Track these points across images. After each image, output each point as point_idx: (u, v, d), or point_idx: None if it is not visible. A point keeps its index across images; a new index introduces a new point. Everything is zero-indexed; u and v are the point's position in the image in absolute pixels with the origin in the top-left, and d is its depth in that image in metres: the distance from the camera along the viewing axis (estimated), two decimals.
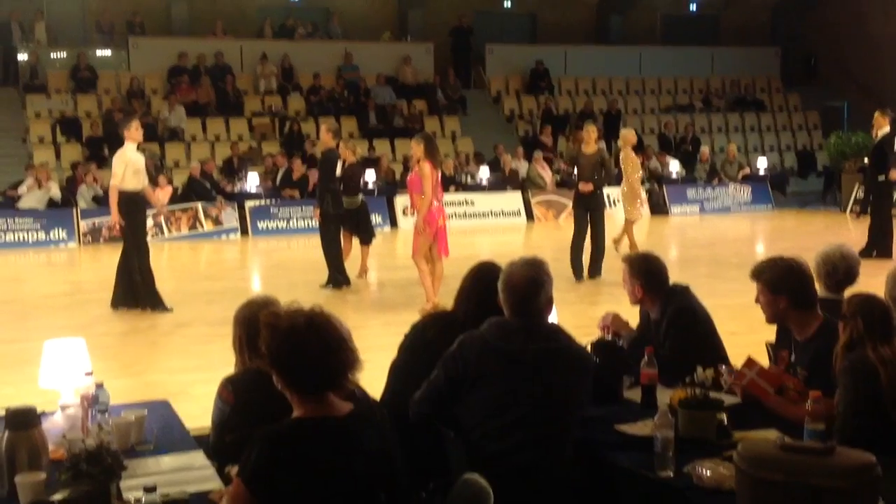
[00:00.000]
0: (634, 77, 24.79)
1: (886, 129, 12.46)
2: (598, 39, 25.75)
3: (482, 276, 4.05)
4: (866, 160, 18.18)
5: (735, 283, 11.25)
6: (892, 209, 12.78)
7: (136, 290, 9.56)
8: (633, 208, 12.97)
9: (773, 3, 26.75)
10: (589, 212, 11.24)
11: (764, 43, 26.57)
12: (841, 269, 4.56)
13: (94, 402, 3.52)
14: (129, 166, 9.33)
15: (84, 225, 15.77)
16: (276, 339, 2.77)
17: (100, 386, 3.63)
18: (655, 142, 22.42)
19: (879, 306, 3.58)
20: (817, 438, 3.21)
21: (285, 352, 2.76)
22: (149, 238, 15.59)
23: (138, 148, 9.64)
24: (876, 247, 12.23)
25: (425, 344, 3.96)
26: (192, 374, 7.05)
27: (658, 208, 19.30)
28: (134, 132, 9.42)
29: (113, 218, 9.47)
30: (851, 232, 16.58)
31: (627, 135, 13.13)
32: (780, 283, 3.91)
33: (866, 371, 3.38)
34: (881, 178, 12.55)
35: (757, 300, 4.06)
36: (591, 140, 11.27)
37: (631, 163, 12.87)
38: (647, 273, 4.56)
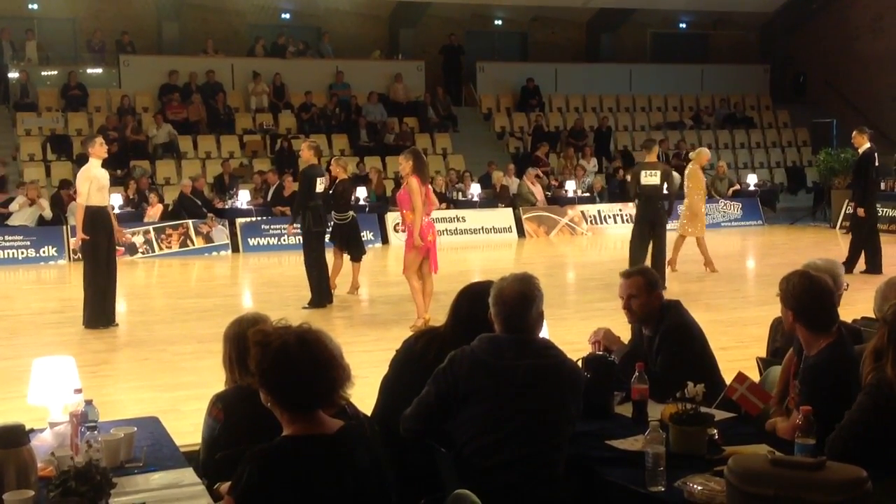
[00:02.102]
0: (625, 94, 24.91)
1: (866, 146, 12.57)
2: (588, 57, 25.88)
3: (474, 294, 4.05)
4: None
5: (725, 299, 11.31)
6: (876, 225, 12.82)
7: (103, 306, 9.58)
8: (692, 226, 13.15)
9: (762, 22, 26.93)
10: (654, 227, 11.51)
11: (753, 60, 26.74)
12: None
13: (84, 420, 3.50)
14: (93, 183, 9.39)
15: (73, 243, 15.72)
16: (265, 357, 2.76)
17: (89, 403, 3.61)
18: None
19: None
20: (808, 453, 3.21)
21: (275, 370, 2.75)
22: (138, 255, 15.90)
23: (103, 165, 9.66)
24: (867, 263, 12.28)
25: (416, 360, 3.95)
26: (182, 390, 7.02)
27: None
28: (98, 149, 9.47)
29: (78, 235, 9.50)
30: (841, 248, 16.62)
31: (702, 152, 13.48)
32: (789, 297, 3.83)
33: (883, 392, 3.32)
34: (862, 196, 12.63)
35: None
36: (654, 156, 11.73)
37: (695, 180, 13.08)
38: (644, 287, 4.55)
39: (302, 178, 11.01)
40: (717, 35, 27.34)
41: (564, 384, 3.53)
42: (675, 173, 12.44)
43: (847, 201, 18.43)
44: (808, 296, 3.75)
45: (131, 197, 17.28)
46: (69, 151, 18.99)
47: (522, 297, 3.58)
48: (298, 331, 2.79)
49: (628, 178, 13.59)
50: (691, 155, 13.73)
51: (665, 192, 11.65)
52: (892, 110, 23.44)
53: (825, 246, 16.50)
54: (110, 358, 8.50)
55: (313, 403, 2.78)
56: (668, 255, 12.36)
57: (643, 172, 11.62)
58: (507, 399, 3.44)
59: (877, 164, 12.46)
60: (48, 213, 16.27)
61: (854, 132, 12.91)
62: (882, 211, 18.09)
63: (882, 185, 18.18)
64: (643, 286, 4.53)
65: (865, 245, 12.48)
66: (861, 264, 12.35)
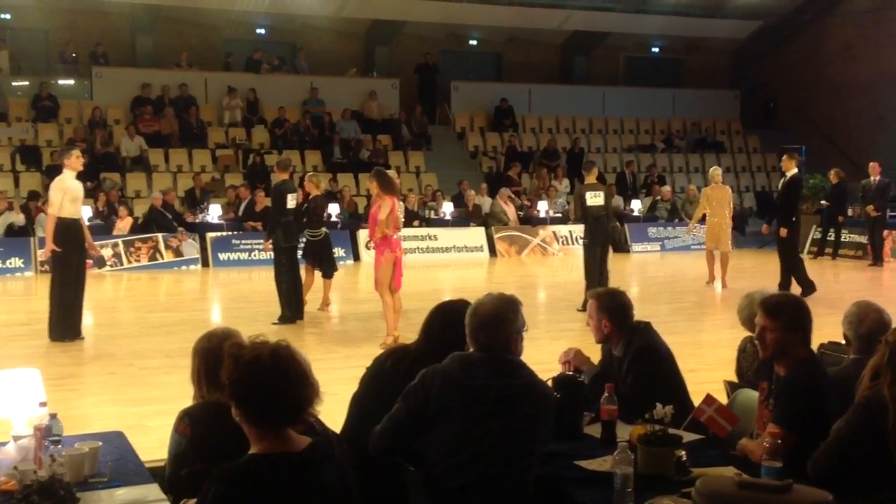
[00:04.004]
0: (597, 116, 25.10)
1: (794, 170, 12.81)
2: (561, 79, 26.07)
3: (447, 313, 4.05)
4: (823, 202, 18.55)
5: (694, 321, 11.40)
6: (797, 246, 13.15)
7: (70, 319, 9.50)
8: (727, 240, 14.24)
9: (733, 48, 27.27)
10: (604, 246, 11.81)
11: (725, 86, 27.05)
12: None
13: (48, 433, 3.46)
14: (66, 194, 9.36)
15: (41, 254, 15.55)
16: (238, 370, 2.74)
17: (53, 416, 3.57)
18: (615, 180, 22.63)
19: None
20: (774, 476, 3.22)
21: (247, 384, 2.73)
22: (108, 268, 15.76)
23: (79, 176, 9.61)
24: (802, 286, 12.41)
25: (387, 377, 3.94)
26: (149, 405, 6.96)
27: (619, 246, 19.44)
28: (74, 161, 9.45)
29: (48, 246, 9.43)
30: (809, 272, 16.80)
31: (716, 172, 14.49)
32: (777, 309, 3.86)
33: (878, 413, 3.33)
34: (793, 218, 12.87)
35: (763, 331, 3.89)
36: (593, 177, 12.04)
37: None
38: (615, 309, 4.58)
39: (274, 194, 10.99)
40: (689, 60, 27.65)
41: (535, 404, 3.53)
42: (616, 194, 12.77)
43: (815, 226, 18.68)
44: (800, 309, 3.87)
45: (101, 209, 17.14)
46: (38, 162, 18.83)
47: (495, 316, 3.59)
48: (272, 346, 2.79)
49: (574, 197, 13.92)
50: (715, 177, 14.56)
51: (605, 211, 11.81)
52: (860, 137, 23.78)
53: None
54: (76, 371, 8.41)
55: (282, 420, 2.76)
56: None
57: (588, 193, 11.76)
58: (477, 418, 3.43)
59: (803, 189, 12.76)
60: (21, 220, 16.11)
61: (784, 156, 13.27)
62: (848, 237, 18.36)
63: (849, 212, 18.41)
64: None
65: (784, 265, 12.73)
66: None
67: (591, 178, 12.08)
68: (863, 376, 3.51)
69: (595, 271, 11.57)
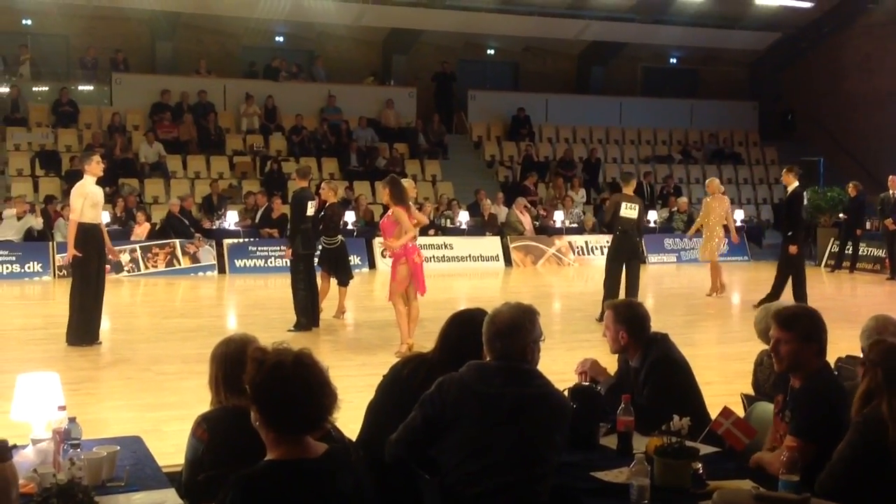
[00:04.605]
0: (614, 126, 25.06)
1: (795, 184, 12.72)
2: (579, 89, 26.06)
3: (464, 321, 4.06)
4: (841, 215, 18.46)
5: (710, 334, 11.36)
6: (803, 262, 12.97)
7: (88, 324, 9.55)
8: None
9: (752, 59, 27.19)
10: (630, 260, 11.71)
11: (742, 97, 26.97)
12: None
13: (67, 437, 3.48)
14: (87, 199, 9.43)
15: (60, 258, 15.66)
16: (260, 374, 2.76)
17: (72, 420, 3.59)
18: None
19: None
20: (791, 489, 3.21)
21: (268, 389, 2.75)
22: (124, 273, 15.84)
23: (98, 182, 9.69)
24: (797, 299, 12.27)
25: (403, 385, 3.95)
26: (166, 410, 6.98)
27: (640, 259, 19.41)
28: (95, 166, 9.52)
29: (69, 251, 9.51)
30: (826, 285, 16.74)
31: (714, 182, 14.69)
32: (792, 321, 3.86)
33: (876, 429, 3.34)
34: (790, 233, 12.75)
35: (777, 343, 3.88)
36: (631, 189, 12.02)
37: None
38: (632, 320, 4.58)
39: (294, 201, 11.04)
40: (707, 71, 27.59)
41: (551, 414, 3.53)
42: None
43: (833, 239, 18.60)
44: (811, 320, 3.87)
45: (119, 215, 17.24)
46: (58, 168, 18.96)
47: (512, 324, 3.59)
48: (296, 352, 2.80)
49: (605, 205, 13.83)
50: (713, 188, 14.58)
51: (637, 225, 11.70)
52: (878, 150, 23.66)
53: (810, 283, 16.52)
54: (94, 376, 8.46)
55: (301, 427, 2.77)
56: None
57: (623, 205, 11.60)
58: (493, 427, 3.44)
59: (804, 202, 12.63)
60: (39, 224, 16.23)
61: (784, 170, 13.17)
62: (866, 251, 18.26)
63: (868, 225, 18.31)
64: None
65: (793, 280, 12.60)
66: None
67: (628, 190, 11.92)
68: (854, 403, 3.50)
69: (616, 284, 11.46)
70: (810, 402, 3.70)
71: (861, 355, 4.40)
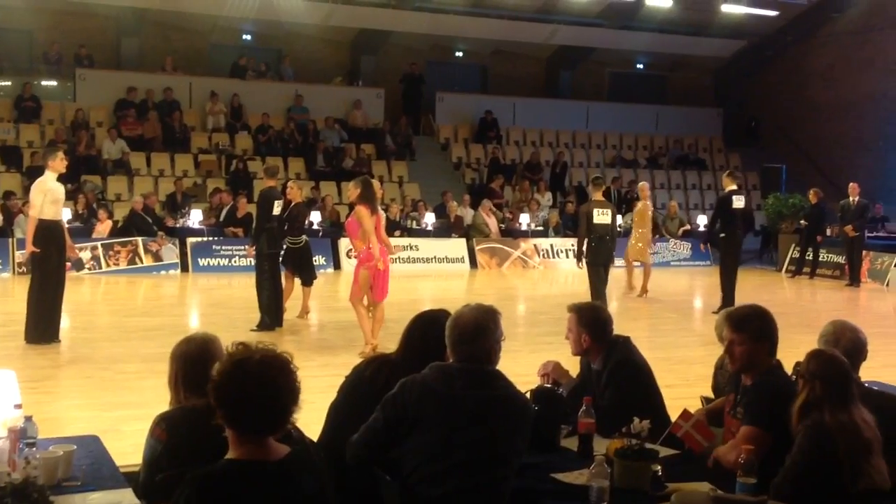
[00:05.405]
0: (581, 131, 25.20)
1: (732, 187, 12.93)
2: (546, 92, 26.17)
3: (427, 322, 4.06)
4: (802, 221, 18.69)
5: (672, 337, 11.43)
6: (737, 264, 13.09)
7: (47, 322, 9.43)
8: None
9: (717, 66, 27.47)
10: (606, 265, 11.89)
11: (708, 104, 27.24)
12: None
13: (22, 436, 3.43)
14: (48, 195, 9.30)
15: (19, 255, 15.45)
16: (222, 369, 2.73)
17: (28, 419, 3.54)
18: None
19: (839, 370, 3.57)
20: (749, 491, 3.25)
21: (226, 385, 2.72)
22: (85, 271, 15.66)
23: (60, 178, 9.57)
24: (726, 301, 12.42)
25: (365, 386, 3.94)
26: (125, 410, 6.91)
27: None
28: (58, 163, 9.40)
29: (28, 247, 9.39)
30: (786, 291, 16.95)
31: (646, 185, 15.04)
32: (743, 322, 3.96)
33: (822, 439, 3.41)
34: (722, 235, 12.93)
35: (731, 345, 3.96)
36: (600, 194, 12.07)
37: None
38: (594, 323, 4.60)
39: (261, 200, 10.98)
40: (673, 77, 27.83)
41: (513, 416, 3.54)
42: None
43: (794, 245, 18.83)
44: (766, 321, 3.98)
45: (80, 212, 17.04)
46: (19, 163, 18.72)
47: (476, 326, 3.60)
48: (265, 352, 2.76)
49: (577, 214, 13.89)
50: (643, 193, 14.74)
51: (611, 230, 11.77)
52: (840, 157, 23.99)
53: (770, 288, 16.78)
54: (52, 374, 8.35)
55: (264, 429, 2.74)
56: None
57: (595, 211, 11.61)
58: (455, 428, 3.44)
59: (735, 206, 12.74)
60: None
61: (725, 174, 13.62)
62: (826, 257, 18.50)
63: (828, 232, 18.56)
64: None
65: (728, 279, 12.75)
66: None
67: (598, 195, 11.86)
68: (792, 415, 3.56)
69: (602, 290, 11.51)
70: (763, 393, 3.81)
71: None
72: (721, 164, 25.92)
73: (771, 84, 26.30)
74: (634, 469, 3.53)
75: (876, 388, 4.49)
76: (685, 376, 8.16)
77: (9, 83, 20.86)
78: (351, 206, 10.32)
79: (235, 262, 16.68)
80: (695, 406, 4.64)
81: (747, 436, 3.62)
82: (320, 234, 17.23)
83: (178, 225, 17.37)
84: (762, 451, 3.48)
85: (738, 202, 12.80)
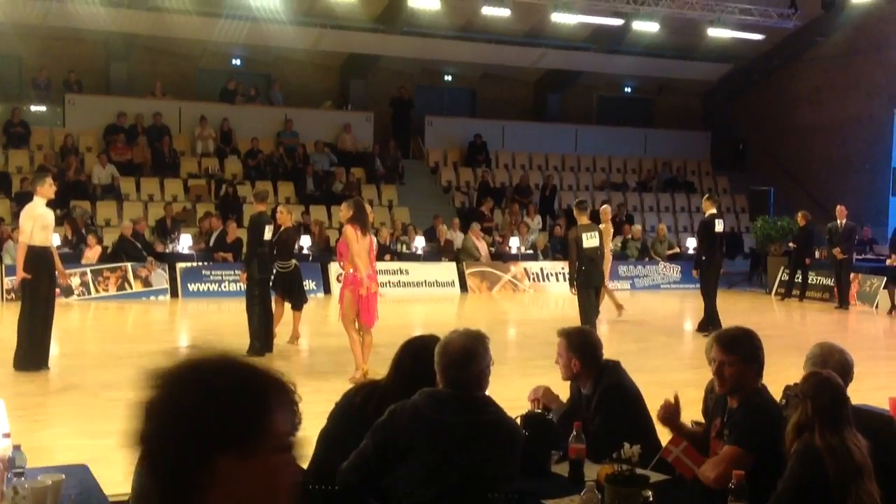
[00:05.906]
0: (570, 154, 25.31)
1: (712, 211, 13.20)
2: (535, 116, 26.29)
3: (417, 348, 4.05)
4: (791, 244, 18.77)
5: (663, 360, 11.44)
6: (716, 285, 13.41)
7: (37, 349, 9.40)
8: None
9: (705, 90, 27.66)
10: (597, 288, 12.04)
11: (696, 127, 27.40)
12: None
13: (11, 465, 3.42)
14: (37, 221, 9.30)
15: (8, 282, 15.40)
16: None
17: (17, 448, 3.53)
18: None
19: (833, 392, 3.54)
20: None
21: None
22: (74, 297, 15.60)
23: (49, 204, 9.57)
24: (710, 322, 12.59)
25: (355, 412, 3.94)
26: (114, 438, 6.81)
27: None
28: (47, 189, 9.39)
29: (18, 273, 9.39)
30: (776, 313, 16.99)
31: (608, 209, 14.67)
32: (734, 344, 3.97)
33: (812, 461, 3.40)
34: (703, 258, 13.26)
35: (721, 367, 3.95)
36: (586, 217, 12.14)
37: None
38: (584, 347, 4.61)
39: (251, 225, 10.99)
40: (661, 101, 28.01)
41: (503, 441, 3.54)
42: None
43: (783, 267, 18.89)
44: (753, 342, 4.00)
45: (69, 238, 17.00)
46: (8, 189, 18.68)
47: (465, 352, 3.60)
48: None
49: (569, 241, 13.98)
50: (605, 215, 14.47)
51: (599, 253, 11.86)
52: (827, 180, 24.14)
53: (760, 310, 16.81)
54: (41, 402, 8.30)
55: None
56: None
57: (584, 235, 11.68)
58: (445, 454, 3.44)
59: (717, 230, 13.10)
60: None
61: (704, 197, 13.88)
62: (815, 279, 18.56)
63: (817, 254, 18.64)
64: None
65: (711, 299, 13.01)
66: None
67: (583, 220, 11.95)
68: (787, 434, 3.57)
69: (593, 313, 11.58)
70: (750, 414, 3.82)
71: None
72: (709, 187, 26.04)
73: (758, 107, 26.49)
74: (625, 495, 3.52)
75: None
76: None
77: None
78: (342, 230, 10.32)
79: (225, 287, 16.65)
80: None
81: (729, 455, 3.64)
82: (310, 258, 17.21)
83: (167, 250, 17.33)
84: (743, 470, 3.48)
85: (720, 225, 13.02)
